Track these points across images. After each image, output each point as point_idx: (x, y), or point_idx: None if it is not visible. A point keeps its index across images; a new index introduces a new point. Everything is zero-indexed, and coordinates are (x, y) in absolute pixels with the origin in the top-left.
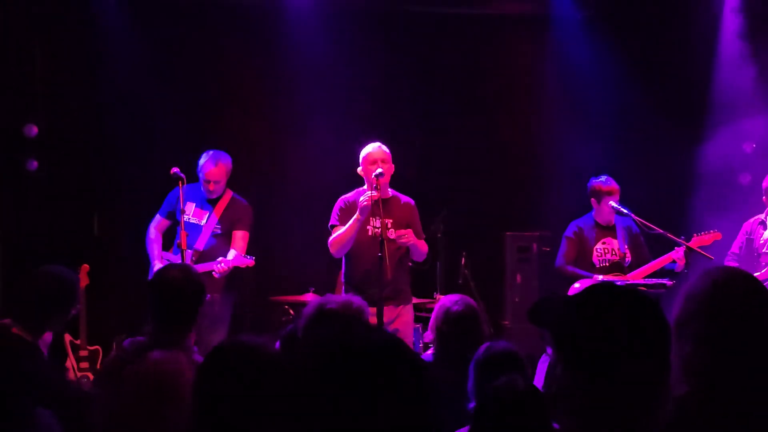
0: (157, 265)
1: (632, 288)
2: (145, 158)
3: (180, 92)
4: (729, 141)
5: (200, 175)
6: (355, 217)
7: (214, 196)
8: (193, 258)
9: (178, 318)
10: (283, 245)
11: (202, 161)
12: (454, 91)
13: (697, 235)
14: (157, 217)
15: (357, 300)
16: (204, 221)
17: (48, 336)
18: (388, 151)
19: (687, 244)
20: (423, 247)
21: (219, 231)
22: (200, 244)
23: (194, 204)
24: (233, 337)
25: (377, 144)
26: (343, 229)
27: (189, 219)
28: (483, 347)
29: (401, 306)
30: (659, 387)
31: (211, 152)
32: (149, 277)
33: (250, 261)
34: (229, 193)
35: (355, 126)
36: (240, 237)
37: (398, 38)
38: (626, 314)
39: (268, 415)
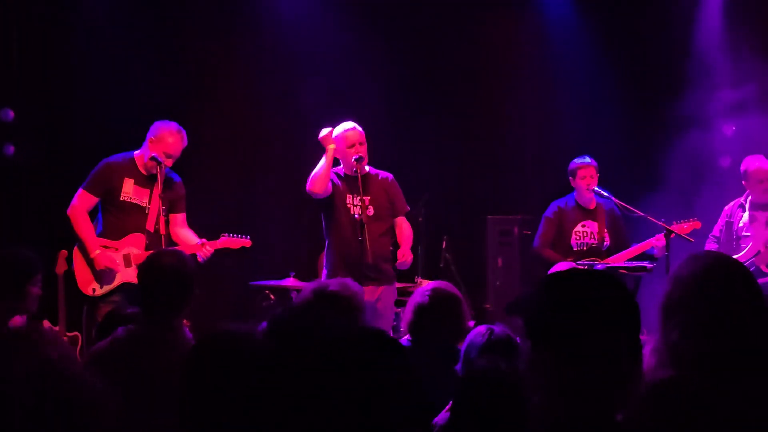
0: (97, 253)
1: (600, 270)
2: (125, 143)
3: (161, 75)
4: (709, 124)
5: (156, 146)
6: (324, 156)
7: (154, 171)
8: (147, 242)
9: (171, 305)
10: (264, 230)
11: (169, 137)
12: (434, 74)
13: (677, 223)
14: (84, 194)
15: (351, 282)
16: (148, 202)
17: (17, 319)
18: (362, 130)
19: (667, 226)
20: (410, 238)
21: (163, 213)
22: (150, 226)
23: (132, 181)
24: (221, 326)
25: (351, 125)
26: (316, 168)
27: (130, 199)
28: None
29: (383, 287)
30: (628, 365)
31: (174, 125)
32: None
33: (246, 241)
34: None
35: (335, 110)
36: (183, 220)
37: (376, 18)
38: (591, 295)
39: (256, 404)
